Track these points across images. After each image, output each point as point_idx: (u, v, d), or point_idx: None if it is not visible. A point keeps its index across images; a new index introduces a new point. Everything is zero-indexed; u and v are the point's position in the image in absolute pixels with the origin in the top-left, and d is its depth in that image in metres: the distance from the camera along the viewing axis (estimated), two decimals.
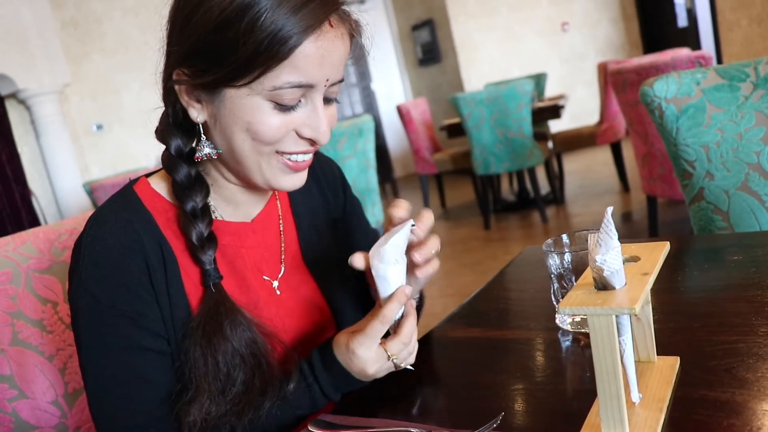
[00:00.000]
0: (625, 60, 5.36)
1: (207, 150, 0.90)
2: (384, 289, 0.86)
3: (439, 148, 6.42)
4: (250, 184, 0.95)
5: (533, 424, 0.77)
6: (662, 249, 0.74)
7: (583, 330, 0.96)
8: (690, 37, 7.67)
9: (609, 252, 0.64)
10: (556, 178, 5.74)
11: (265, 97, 0.83)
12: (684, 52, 3.99)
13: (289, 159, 0.89)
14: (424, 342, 1.06)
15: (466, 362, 0.98)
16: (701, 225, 1.67)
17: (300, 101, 0.86)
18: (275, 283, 1.01)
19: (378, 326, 0.85)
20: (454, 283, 4.08)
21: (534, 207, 5.58)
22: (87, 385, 0.89)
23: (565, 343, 0.95)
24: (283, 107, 0.85)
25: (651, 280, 0.66)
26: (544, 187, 6.11)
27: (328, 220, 1.12)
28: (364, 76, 9.10)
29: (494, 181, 5.99)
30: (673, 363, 0.79)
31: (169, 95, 0.91)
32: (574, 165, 7.15)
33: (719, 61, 7.13)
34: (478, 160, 5.16)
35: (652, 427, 0.67)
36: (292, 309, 1.02)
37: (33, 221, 6.42)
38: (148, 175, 0.98)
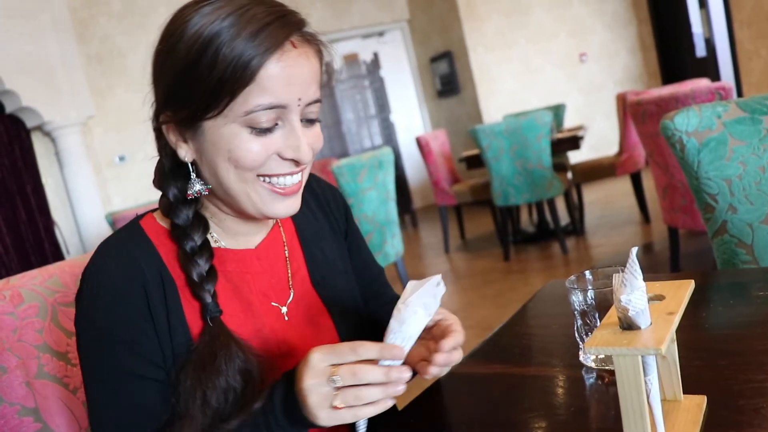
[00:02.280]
0: (644, 91, 5.36)
1: (198, 187, 0.94)
2: (394, 329, 0.80)
3: (459, 179, 6.43)
4: (244, 215, 0.97)
5: None
6: (687, 287, 0.74)
7: (607, 367, 0.95)
8: (709, 68, 7.67)
9: (634, 292, 0.64)
10: (576, 209, 5.72)
11: (240, 123, 0.87)
12: (703, 83, 3.98)
13: (275, 184, 0.92)
14: (447, 377, 1.05)
15: (488, 399, 0.97)
16: (725, 258, 1.65)
17: (277, 124, 0.89)
18: (284, 309, 1.02)
19: (345, 349, 0.79)
20: (474, 316, 4.06)
21: (554, 238, 5.55)
22: (88, 409, 0.91)
23: (589, 380, 0.94)
24: (260, 131, 0.88)
25: (677, 319, 0.66)
26: (564, 218, 6.09)
27: (335, 245, 1.14)
28: (383, 107, 9.17)
29: (514, 213, 5.98)
30: (700, 402, 0.79)
31: (162, 143, 0.96)
32: (593, 196, 7.13)
33: (739, 91, 7.11)
34: (498, 191, 5.16)
35: None
36: (302, 334, 1.02)
37: (56, 252, 6.50)
38: (154, 210, 1.02)
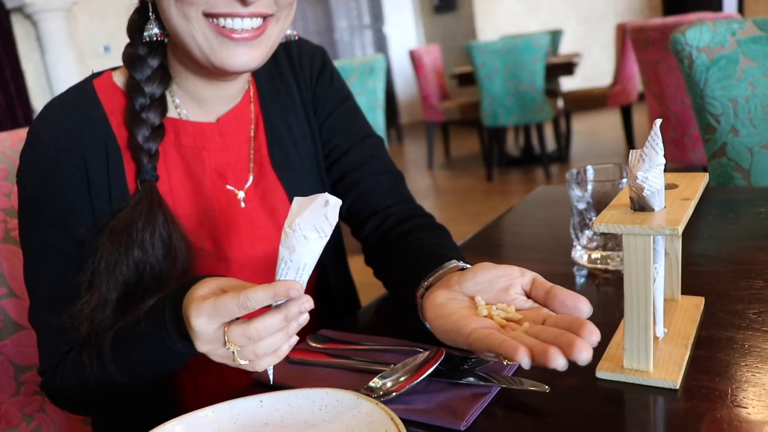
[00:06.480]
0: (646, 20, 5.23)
1: (155, 30, 0.84)
2: (285, 258, 0.64)
3: (448, 96, 6.34)
4: (203, 70, 0.86)
5: None
6: (702, 179, 0.69)
7: (599, 266, 0.92)
8: (713, 4, 7.51)
9: (652, 169, 0.59)
10: (563, 137, 5.67)
11: None
12: (709, 14, 3.88)
13: (222, 25, 0.79)
14: None
15: None
16: (719, 182, 1.61)
17: None
18: (240, 194, 0.93)
19: (231, 306, 0.63)
20: (453, 231, 4.00)
21: (538, 163, 5.52)
22: (24, 269, 0.87)
23: (580, 279, 0.91)
24: None
25: (692, 204, 0.61)
26: (551, 144, 6.05)
27: (304, 118, 1.01)
28: (377, 18, 8.92)
29: (500, 135, 5.92)
30: (698, 303, 0.75)
31: None
32: (582, 126, 7.07)
33: None
34: (487, 110, 5.08)
35: (677, 363, 0.63)
36: (257, 222, 0.94)
37: None
38: (114, 69, 0.93)
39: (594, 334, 0.56)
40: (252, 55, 0.81)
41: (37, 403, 1.12)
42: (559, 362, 0.54)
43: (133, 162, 0.86)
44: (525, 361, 0.55)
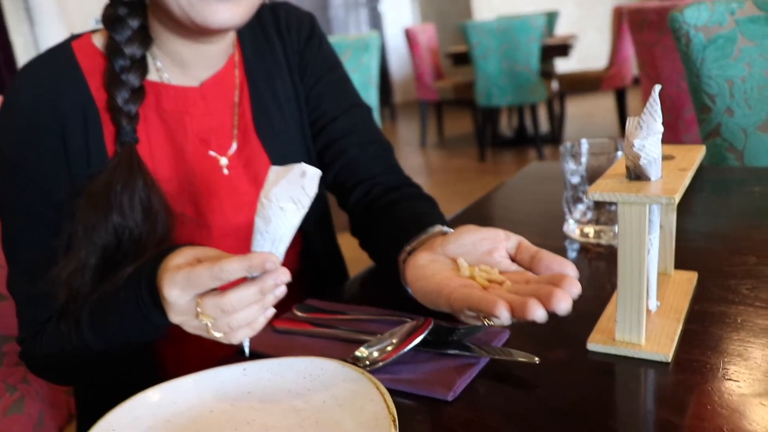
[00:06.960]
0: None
1: None
2: (260, 229, 0.62)
3: (443, 75, 6.30)
4: (184, 30, 0.84)
5: (536, 329, 0.71)
6: (699, 151, 0.68)
7: (592, 240, 0.90)
8: None
9: (649, 137, 0.57)
10: (557, 119, 5.65)
11: None
12: None
13: None
14: None
15: None
16: (713, 162, 1.60)
17: None
18: (223, 161, 0.91)
19: (204, 277, 0.61)
20: (445, 210, 4.03)
21: (531, 145, 5.51)
22: (2, 234, 0.85)
23: (572, 253, 0.89)
24: None
25: (689, 175, 0.60)
26: (544, 126, 6.03)
27: (293, 88, 0.99)
28: None
29: (494, 116, 5.90)
30: (691, 277, 0.74)
31: None
32: (576, 109, 7.05)
33: None
34: (482, 90, 5.05)
35: (669, 336, 0.62)
36: (239, 189, 0.92)
37: None
38: (94, 31, 0.90)
39: (574, 286, 0.54)
40: (233, 12, 0.79)
41: (20, 374, 1.11)
42: (538, 313, 0.53)
43: (112, 125, 0.83)
44: (505, 315, 0.54)
